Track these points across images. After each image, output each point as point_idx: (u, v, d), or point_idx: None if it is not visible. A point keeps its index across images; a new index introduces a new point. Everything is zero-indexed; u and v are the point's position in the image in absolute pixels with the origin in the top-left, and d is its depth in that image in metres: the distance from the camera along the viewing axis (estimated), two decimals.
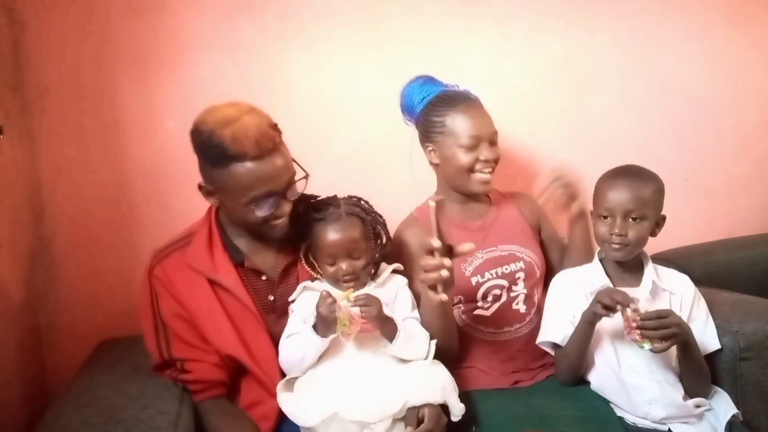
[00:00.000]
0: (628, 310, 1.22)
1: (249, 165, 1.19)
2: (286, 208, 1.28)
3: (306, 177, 1.31)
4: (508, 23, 1.87)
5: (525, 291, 1.51)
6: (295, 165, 1.29)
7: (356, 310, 1.22)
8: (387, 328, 1.26)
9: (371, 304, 1.22)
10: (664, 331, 1.21)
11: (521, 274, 1.51)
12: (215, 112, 1.23)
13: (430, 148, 1.53)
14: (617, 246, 1.32)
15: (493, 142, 1.48)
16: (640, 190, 1.31)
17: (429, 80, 1.59)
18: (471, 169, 1.47)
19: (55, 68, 1.61)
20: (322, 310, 1.20)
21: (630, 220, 1.31)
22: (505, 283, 1.50)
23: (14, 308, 1.51)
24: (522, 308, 1.51)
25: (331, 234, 1.30)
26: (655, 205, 1.33)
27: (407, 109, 1.61)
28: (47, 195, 1.64)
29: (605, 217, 1.34)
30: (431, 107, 1.52)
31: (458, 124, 1.47)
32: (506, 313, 1.50)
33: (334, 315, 1.19)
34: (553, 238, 1.63)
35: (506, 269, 1.50)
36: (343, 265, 1.30)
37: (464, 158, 1.46)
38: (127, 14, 1.64)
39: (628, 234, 1.31)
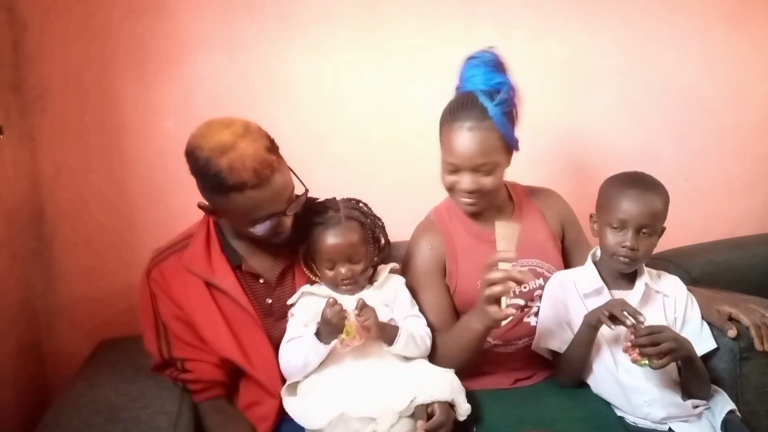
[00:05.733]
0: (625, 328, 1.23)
1: (249, 193, 1.17)
2: (288, 222, 1.28)
3: (306, 192, 1.30)
4: (508, 23, 1.87)
5: (540, 305, 1.46)
6: (294, 178, 1.28)
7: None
8: (386, 333, 1.26)
9: (367, 314, 1.22)
10: (661, 347, 1.20)
11: (540, 292, 1.45)
12: (210, 136, 1.18)
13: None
14: (626, 260, 1.30)
15: (476, 171, 1.36)
16: (655, 203, 1.29)
17: (487, 66, 1.39)
18: (452, 190, 1.41)
19: (55, 68, 1.61)
20: (331, 316, 1.19)
21: (641, 233, 1.29)
22: (521, 302, 1.42)
23: (14, 308, 1.51)
24: (533, 321, 1.46)
25: (331, 239, 1.29)
26: (664, 218, 1.32)
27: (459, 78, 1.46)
28: (47, 195, 1.64)
29: (616, 228, 1.31)
30: (449, 103, 1.41)
31: (445, 141, 1.38)
32: (516, 327, 1.45)
33: (342, 322, 1.19)
34: (577, 244, 1.54)
35: (525, 288, 1.43)
36: (342, 270, 1.29)
37: (446, 178, 1.40)
38: (128, 14, 1.64)
39: (639, 248, 1.29)
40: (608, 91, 1.98)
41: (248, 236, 1.29)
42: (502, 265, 1.20)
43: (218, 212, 1.27)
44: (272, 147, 1.23)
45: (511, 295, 1.21)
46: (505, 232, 1.22)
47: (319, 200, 1.39)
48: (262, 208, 1.20)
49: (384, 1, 1.79)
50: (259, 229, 1.23)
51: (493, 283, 1.20)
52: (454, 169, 1.37)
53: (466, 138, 1.34)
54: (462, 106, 1.37)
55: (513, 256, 1.21)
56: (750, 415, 1.34)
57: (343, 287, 1.31)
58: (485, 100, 1.35)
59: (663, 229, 1.35)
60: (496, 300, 1.21)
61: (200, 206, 1.28)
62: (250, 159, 1.15)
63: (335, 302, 1.20)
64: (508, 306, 1.20)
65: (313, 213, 1.34)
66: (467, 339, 1.32)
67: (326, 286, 1.34)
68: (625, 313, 1.22)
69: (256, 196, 1.18)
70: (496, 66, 1.40)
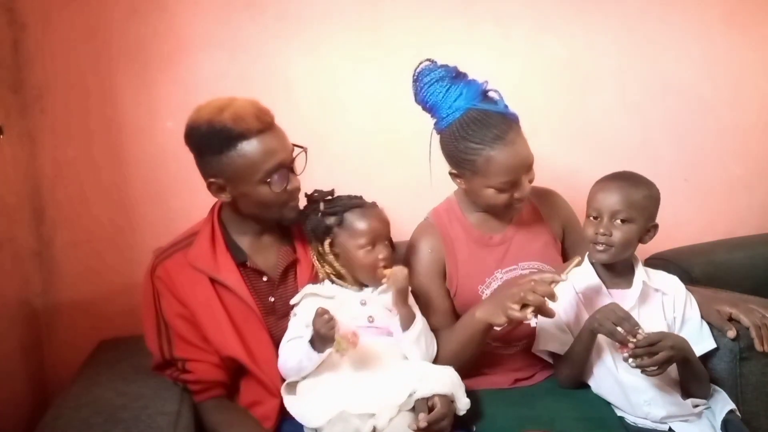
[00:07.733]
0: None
1: (255, 141, 1.23)
2: (297, 182, 1.31)
3: (304, 150, 1.33)
4: (508, 23, 1.87)
5: None
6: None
7: (358, 323, 1.27)
8: (406, 311, 1.29)
9: (400, 274, 1.28)
10: (656, 358, 1.20)
11: None
12: (205, 106, 1.26)
13: (455, 174, 1.41)
14: (601, 247, 1.32)
15: (528, 170, 1.35)
16: (630, 193, 1.30)
17: (455, 82, 1.37)
18: (507, 206, 1.38)
19: (55, 68, 1.61)
20: (320, 328, 1.18)
21: (617, 221, 1.31)
22: (535, 321, 1.40)
23: (14, 308, 1.51)
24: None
25: (373, 219, 1.34)
26: (645, 210, 1.32)
27: (427, 109, 1.42)
28: (47, 195, 1.64)
29: (594, 218, 1.34)
30: (460, 133, 1.33)
31: (493, 166, 1.30)
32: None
33: (332, 333, 1.18)
34: (578, 246, 1.51)
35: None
36: (383, 249, 1.33)
37: (498, 198, 1.35)
38: (128, 14, 1.64)
39: (612, 234, 1.30)
40: (608, 91, 1.98)
41: (265, 207, 1.29)
42: (556, 287, 1.22)
43: (229, 181, 1.26)
44: (266, 108, 1.29)
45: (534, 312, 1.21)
46: (574, 268, 1.30)
47: (338, 195, 1.42)
48: (270, 155, 1.24)
49: (384, 1, 1.79)
50: (274, 186, 1.25)
51: (534, 291, 1.19)
52: (512, 184, 1.33)
53: (517, 146, 1.32)
54: (486, 122, 1.32)
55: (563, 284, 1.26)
56: (750, 415, 1.34)
57: (382, 270, 1.31)
58: (491, 105, 1.34)
59: (654, 227, 1.35)
60: (523, 304, 1.20)
61: (209, 185, 1.28)
62: (249, 107, 1.24)
63: (324, 312, 1.19)
64: (525, 313, 1.19)
65: (340, 205, 1.37)
66: (469, 333, 1.32)
67: (360, 276, 1.35)
68: (620, 329, 1.23)
69: (263, 143, 1.23)
70: (451, 75, 1.38)
